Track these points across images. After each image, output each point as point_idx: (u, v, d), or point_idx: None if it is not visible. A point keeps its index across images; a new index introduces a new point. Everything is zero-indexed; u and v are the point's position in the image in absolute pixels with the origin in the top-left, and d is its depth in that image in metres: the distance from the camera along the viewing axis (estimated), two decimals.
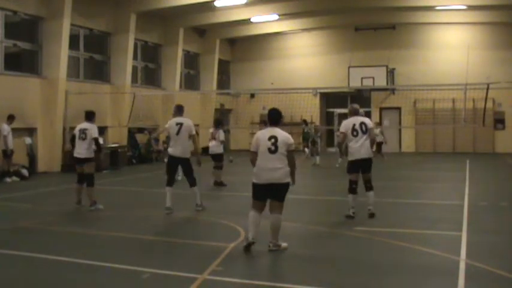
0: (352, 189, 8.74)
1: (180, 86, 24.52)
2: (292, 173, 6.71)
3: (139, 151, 21.18)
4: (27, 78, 16.76)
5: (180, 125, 9.41)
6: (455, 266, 5.97)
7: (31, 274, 5.92)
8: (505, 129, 24.84)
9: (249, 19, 24.18)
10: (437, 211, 9.82)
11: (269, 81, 26.95)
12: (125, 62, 20.35)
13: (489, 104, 19.66)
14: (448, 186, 13.62)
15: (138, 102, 18.49)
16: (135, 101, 18.36)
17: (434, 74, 24.18)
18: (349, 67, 25.44)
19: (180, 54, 23.77)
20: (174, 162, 9.58)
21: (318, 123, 25.97)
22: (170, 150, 9.57)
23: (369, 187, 8.86)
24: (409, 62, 25.64)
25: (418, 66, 25.28)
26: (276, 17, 24.02)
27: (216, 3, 20.58)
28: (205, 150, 14.42)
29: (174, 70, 23.62)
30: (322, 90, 24.26)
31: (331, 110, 28.53)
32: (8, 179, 14.64)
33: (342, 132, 8.88)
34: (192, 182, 9.56)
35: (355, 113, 9.01)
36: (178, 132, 9.38)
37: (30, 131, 16.83)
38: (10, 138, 14.72)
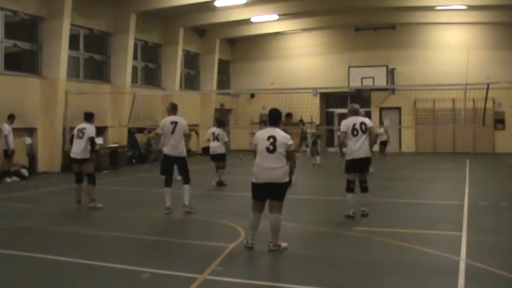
0: (350, 189, 8.75)
1: (180, 86, 24.52)
2: (290, 172, 6.72)
3: (139, 151, 21.18)
4: (27, 78, 16.76)
5: (175, 123, 9.29)
6: (455, 266, 5.97)
7: (31, 274, 5.92)
8: (505, 129, 24.83)
9: (249, 19, 24.18)
10: (437, 211, 9.82)
11: (269, 81, 26.94)
12: (125, 62, 20.35)
13: (489, 104, 19.65)
14: (448, 186, 13.62)
15: (138, 102, 18.48)
16: (135, 101, 18.36)
17: (434, 74, 24.17)
18: (349, 67, 25.44)
19: (180, 54, 23.78)
20: (170, 162, 9.46)
21: (318, 123, 25.93)
22: (165, 149, 9.41)
23: (364, 188, 8.88)
24: (409, 62, 25.64)
25: (418, 66, 25.28)
26: (276, 17, 24.02)
27: (216, 3, 20.58)
28: (205, 150, 14.40)
29: (174, 70, 23.62)
30: (322, 90, 24.24)
31: (331, 110, 28.53)
32: (8, 179, 14.64)
33: (342, 131, 8.89)
34: (186, 180, 9.44)
35: (355, 112, 9.02)
36: (173, 131, 9.25)
37: (30, 131, 16.82)
38: (11, 138, 14.72)
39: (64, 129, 17.27)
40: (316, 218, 9.35)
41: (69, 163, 10.93)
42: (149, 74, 23.60)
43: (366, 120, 8.98)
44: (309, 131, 20.16)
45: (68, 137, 15.11)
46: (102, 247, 7.12)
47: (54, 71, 16.98)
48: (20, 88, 16.23)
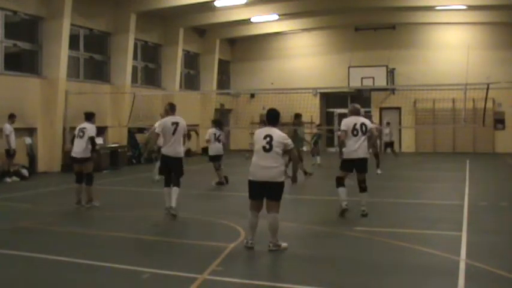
0: (340, 184, 8.79)
1: (180, 86, 24.53)
2: (294, 170, 6.74)
3: (139, 151, 21.17)
4: (27, 78, 16.76)
5: (176, 124, 9.12)
6: (455, 266, 5.98)
7: (31, 274, 5.92)
8: (505, 129, 24.83)
9: (249, 19, 24.19)
10: (437, 211, 9.82)
11: (269, 81, 26.95)
12: (125, 62, 20.35)
13: (489, 104, 19.65)
14: (448, 186, 13.62)
15: (138, 102, 18.47)
16: (135, 101, 18.34)
17: (434, 74, 24.18)
18: (349, 67, 25.45)
19: (180, 54, 23.78)
20: (168, 162, 9.33)
21: (318, 123, 25.93)
22: (164, 150, 9.21)
23: (363, 188, 8.86)
24: (409, 62, 25.64)
25: (418, 66, 25.28)
26: (276, 17, 24.02)
27: (216, 3, 20.58)
28: (205, 150, 14.42)
29: (174, 70, 23.63)
30: (322, 90, 24.27)
31: (331, 110, 28.54)
32: (8, 179, 14.64)
33: (343, 130, 8.87)
34: (177, 182, 9.22)
35: (356, 112, 9.02)
36: (174, 132, 9.08)
37: (30, 131, 16.82)
38: (13, 137, 14.70)
39: (64, 129, 17.27)
40: (316, 218, 9.33)
41: (70, 163, 10.96)
42: (149, 74, 23.60)
43: (367, 121, 8.97)
44: (308, 131, 20.13)
45: (69, 137, 15.12)
46: (102, 247, 7.12)
47: (54, 71, 16.98)
48: (20, 88, 16.22)
